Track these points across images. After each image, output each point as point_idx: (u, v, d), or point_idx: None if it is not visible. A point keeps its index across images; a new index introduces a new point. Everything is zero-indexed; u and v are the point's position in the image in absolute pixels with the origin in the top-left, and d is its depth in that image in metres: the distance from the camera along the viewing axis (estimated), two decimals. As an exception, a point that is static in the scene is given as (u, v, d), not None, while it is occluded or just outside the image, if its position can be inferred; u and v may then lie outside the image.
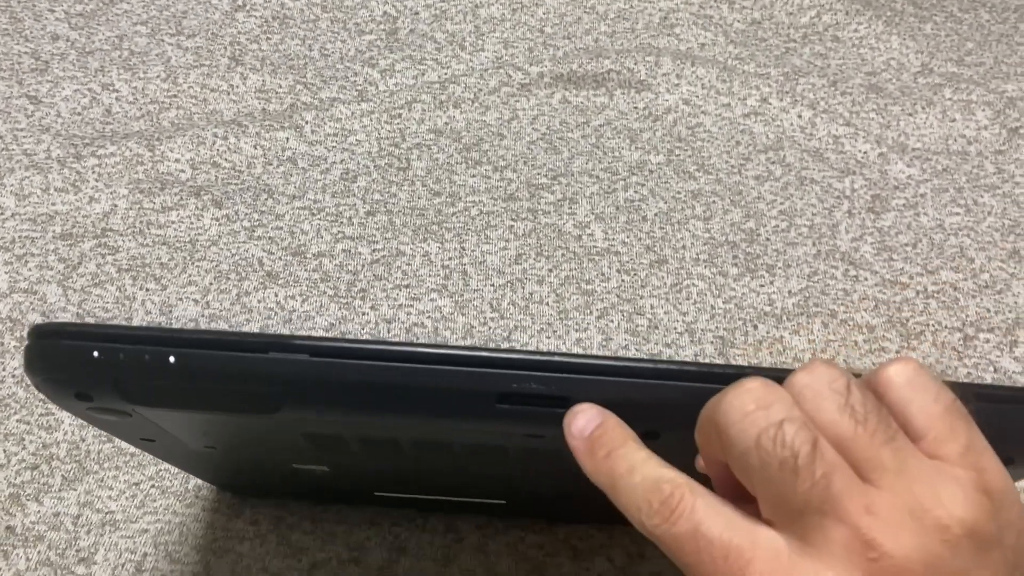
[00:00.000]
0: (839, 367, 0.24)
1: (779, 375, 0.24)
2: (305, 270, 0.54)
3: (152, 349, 0.25)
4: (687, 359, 0.50)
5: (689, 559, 0.23)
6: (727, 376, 0.25)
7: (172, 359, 0.25)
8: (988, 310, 0.54)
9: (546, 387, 0.25)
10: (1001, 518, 0.22)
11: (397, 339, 0.51)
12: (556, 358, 0.26)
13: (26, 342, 0.26)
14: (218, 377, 0.26)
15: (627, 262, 0.56)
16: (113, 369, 0.25)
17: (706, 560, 0.23)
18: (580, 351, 0.50)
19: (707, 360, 0.50)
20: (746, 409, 0.23)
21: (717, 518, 0.23)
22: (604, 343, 0.51)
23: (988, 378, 0.50)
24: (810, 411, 0.23)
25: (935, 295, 0.54)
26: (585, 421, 0.26)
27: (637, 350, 0.51)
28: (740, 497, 0.24)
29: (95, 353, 0.25)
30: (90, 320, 0.50)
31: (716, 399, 0.24)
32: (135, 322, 0.51)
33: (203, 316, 0.51)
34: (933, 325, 0.53)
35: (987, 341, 0.52)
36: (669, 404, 0.25)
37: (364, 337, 0.51)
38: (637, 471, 0.24)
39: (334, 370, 0.25)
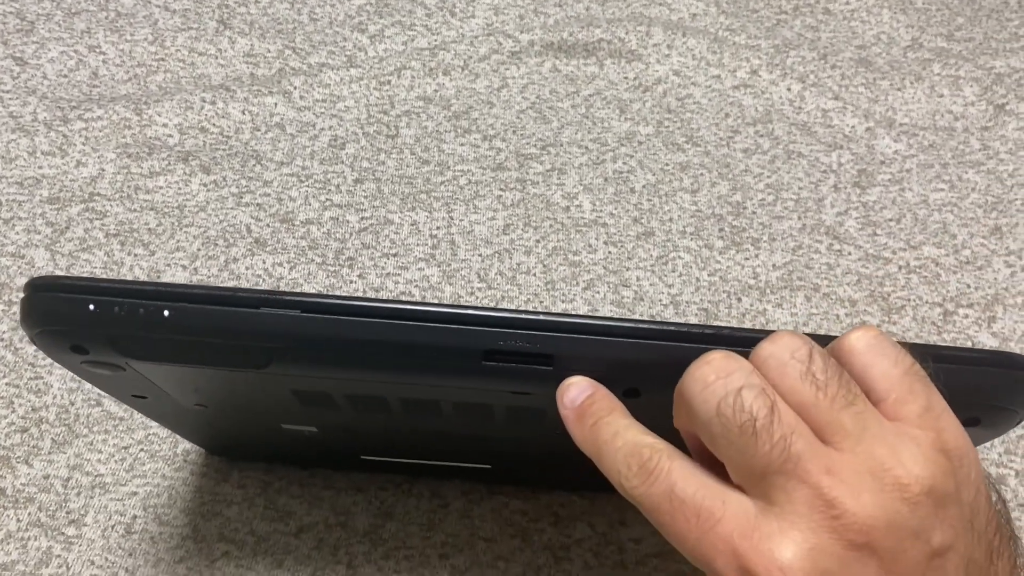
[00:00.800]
0: (803, 336, 0.25)
1: (758, 336, 0.25)
2: (293, 237, 0.54)
3: (147, 303, 0.26)
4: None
5: (664, 519, 0.24)
6: (705, 336, 0.26)
7: (167, 313, 0.26)
8: (968, 286, 0.54)
9: (531, 345, 0.26)
10: (959, 475, 0.23)
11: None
12: (541, 317, 0.26)
13: (22, 295, 0.26)
14: (211, 331, 0.26)
15: (614, 234, 0.56)
16: (108, 322, 0.26)
17: (679, 520, 0.24)
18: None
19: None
20: (707, 380, 0.24)
21: (691, 480, 0.24)
22: (590, 314, 0.51)
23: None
24: (774, 379, 0.24)
25: (917, 270, 0.55)
26: (577, 392, 0.27)
27: (623, 320, 0.51)
28: (718, 465, 0.25)
29: (91, 306, 0.26)
30: None
31: (683, 375, 0.25)
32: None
33: (191, 282, 0.52)
34: (914, 300, 0.53)
35: (966, 316, 0.53)
36: (649, 363, 0.26)
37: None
38: (620, 437, 0.26)
39: (324, 326, 0.26)
